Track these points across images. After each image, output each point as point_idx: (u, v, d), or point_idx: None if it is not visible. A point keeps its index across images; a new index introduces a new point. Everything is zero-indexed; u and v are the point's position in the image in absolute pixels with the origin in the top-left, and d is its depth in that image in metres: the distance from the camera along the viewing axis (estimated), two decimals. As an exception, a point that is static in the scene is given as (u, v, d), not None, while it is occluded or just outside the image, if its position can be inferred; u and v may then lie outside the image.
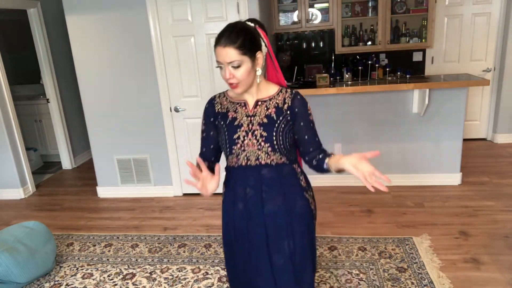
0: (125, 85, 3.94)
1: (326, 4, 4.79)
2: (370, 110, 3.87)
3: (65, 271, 2.93)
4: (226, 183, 1.65)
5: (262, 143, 1.48)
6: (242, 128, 1.50)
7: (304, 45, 5.20)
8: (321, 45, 5.18)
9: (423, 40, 4.73)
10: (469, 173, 4.08)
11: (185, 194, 4.17)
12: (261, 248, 1.56)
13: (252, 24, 1.50)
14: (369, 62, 4.39)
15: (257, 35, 1.47)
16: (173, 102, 3.91)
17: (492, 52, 4.98)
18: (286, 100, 1.51)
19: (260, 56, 1.46)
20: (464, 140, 3.94)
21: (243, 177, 1.54)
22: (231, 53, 1.38)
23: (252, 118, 1.50)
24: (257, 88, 1.52)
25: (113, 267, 2.95)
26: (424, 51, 5.03)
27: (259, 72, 1.47)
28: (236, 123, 1.51)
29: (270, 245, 1.55)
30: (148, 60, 3.83)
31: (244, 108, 1.52)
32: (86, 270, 2.93)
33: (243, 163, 1.52)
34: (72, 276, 2.87)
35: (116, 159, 4.17)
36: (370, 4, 4.78)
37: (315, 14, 4.92)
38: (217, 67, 1.45)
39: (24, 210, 4.12)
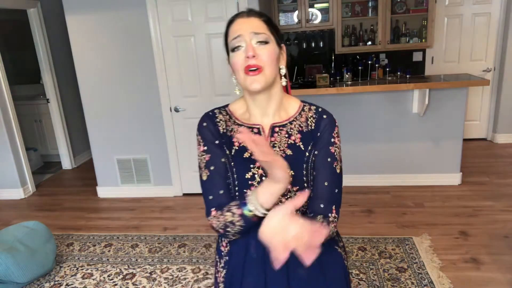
0: (125, 85, 3.94)
1: (326, 4, 4.79)
2: (370, 110, 3.87)
3: (65, 271, 2.93)
4: (232, 240, 1.13)
5: (289, 186, 1.03)
6: (257, 164, 1.05)
7: (304, 45, 5.20)
8: (321, 45, 5.18)
9: (423, 40, 4.73)
10: (469, 173, 4.08)
11: (185, 194, 4.17)
12: None
13: None
14: (369, 62, 4.39)
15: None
16: (173, 102, 3.91)
17: (492, 52, 4.98)
18: (309, 121, 1.10)
19: (285, 50, 1.11)
20: (464, 140, 3.94)
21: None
22: (257, 23, 1.04)
23: None
24: (279, 101, 1.10)
25: (113, 267, 2.95)
26: (424, 51, 5.03)
27: (283, 70, 1.09)
28: (245, 155, 1.07)
29: None
30: (148, 60, 3.83)
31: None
32: (86, 270, 2.93)
33: None
34: (72, 276, 2.87)
35: (116, 159, 4.17)
36: (370, 4, 4.77)
37: (315, 14, 4.92)
38: (233, 49, 1.05)
39: (24, 210, 4.12)
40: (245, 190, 1.06)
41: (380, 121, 3.88)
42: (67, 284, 2.78)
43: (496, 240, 2.93)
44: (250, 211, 0.95)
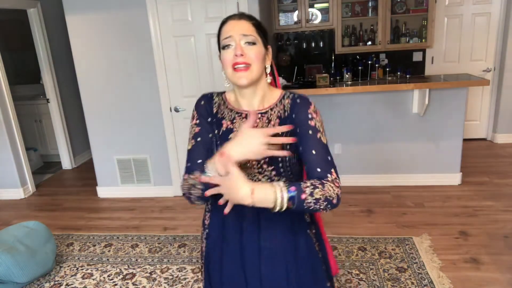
0: (125, 85, 3.94)
1: (326, 4, 4.79)
2: (370, 110, 3.87)
3: (65, 271, 2.93)
4: (212, 214, 1.29)
5: (264, 166, 1.17)
6: None
7: (304, 45, 5.20)
8: (321, 45, 5.18)
9: (423, 40, 4.73)
10: (469, 173, 4.08)
11: (185, 194, 4.17)
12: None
13: None
14: (369, 62, 4.39)
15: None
16: (173, 102, 3.91)
17: (492, 52, 4.98)
18: (286, 107, 1.22)
19: (271, 51, 1.25)
20: (464, 140, 3.94)
21: (237, 207, 1.08)
22: (247, 26, 1.17)
23: None
24: (261, 93, 1.23)
25: (113, 267, 2.95)
26: (424, 51, 5.03)
27: (268, 69, 1.23)
28: (230, 136, 1.20)
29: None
30: (148, 60, 3.83)
31: (242, 120, 1.22)
32: (86, 270, 2.93)
33: None
34: (72, 276, 2.87)
35: (116, 159, 4.17)
36: (370, 4, 4.78)
37: (315, 14, 4.92)
38: (224, 47, 1.18)
39: (24, 210, 4.12)
40: None
41: (380, 121, 3.88)
42: (67, 284, 2.78)
43: (496, 240, 2.93)
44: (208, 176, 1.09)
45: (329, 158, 1.15)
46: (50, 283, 2.80)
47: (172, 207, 3.93)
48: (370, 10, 4.80)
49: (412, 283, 2.51)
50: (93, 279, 2.81)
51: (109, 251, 3.17)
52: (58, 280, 2.83)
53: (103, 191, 4.30)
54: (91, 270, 2.92)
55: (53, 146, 5.39)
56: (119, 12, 3.75)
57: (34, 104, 5.31)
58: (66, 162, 5.32)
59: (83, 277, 2.84)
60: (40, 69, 4.94)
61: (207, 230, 1.32)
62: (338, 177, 1.13)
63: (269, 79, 1.24)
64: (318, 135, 1.16)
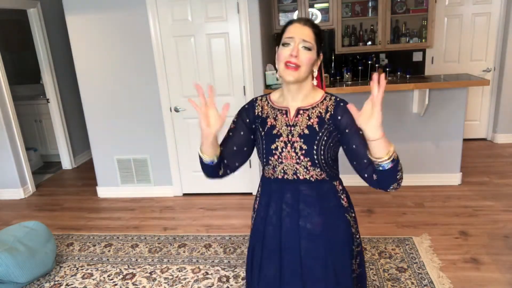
0: (125, 85, 3.94)
1: (326, 4, 4.79)
2: (370, 110, 3.86)
3: (65, 271, 2.93)
4: (261, 195, 1.51)
5: (302, 157, 1.35)
6: (281, 138, 1.38)
7: (304, 45, 5.19)
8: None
9: (423, 40, 4.73)
10: (469, 173, 4.08)
11: (185, 194, 4.17)
12: (294, 270, 1.42)
13: None
14: (369, 62, 4.39)
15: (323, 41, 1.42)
16: (173, 102, 3.91)
17: (492, 52, 4.98)
18: (329, 109, 1.37)
19: (321, 58, 1.41)
20: (464, 140, 3.94)
21: (279, 191, 1.42)
22: (308, 33, 1.32)
23: (292, 128, 1.37)
24: (305, 93, 1.39)
25: (113, 267, 2.95)
26: (424, 51, 5.03)
27: (315, 73, 1.39)
28: (274, 131, 1.40)
29: (304, 269, 1.42)
30: (148, 60, 3.83)
31: (284, 116, 1.40)
32: (86, 270, 2.93)
33: (280, 176, 1.40)
34: (72, 276, 2.87)
35: (116, 159, 4.17)
36: (370, 4, 4.78)
37: (315, 14, 4.92)
38: (284, 44, 1.33)
39: (24, 210, 4.12)
40: (270, 157, 1.39)
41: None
42: (67, 284, 2.78)
43: (496, 240, 2.93)
44: (199, 156, 1.41)
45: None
46: (50, 283, 2.80)
47: (172, 207, 3.93)
48: (370, 10, 4.80)
49: (412, 283, 2.51)
50: (93, 279, 2.81)
51: (109, 251, 3.17)
52: (58, 280, 2.83)
53: (103, 191, 4.30)
54: (91, 270, 2.92)
55: (53, 146, 5.39)
56: (119, 12, 3.75)
57: (34, 104, 5.31)
58: (66, 162, 5.32)
59: (83, 277, 2.84)
60: (40, 69, 4.94)
61: (255, 213, 1.54)
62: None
63: (315, 82, 1.40)
64: (361, 132, 1.29)
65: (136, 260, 3.02)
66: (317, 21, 4.92)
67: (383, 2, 4.59)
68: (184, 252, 3.08)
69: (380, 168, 1.22)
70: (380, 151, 1.20)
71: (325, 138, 1.35)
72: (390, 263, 2.73)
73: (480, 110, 5.19)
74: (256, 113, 1.46)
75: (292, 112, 1.40)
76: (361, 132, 1.28)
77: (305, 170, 1.37)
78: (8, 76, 4.33)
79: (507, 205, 3.44)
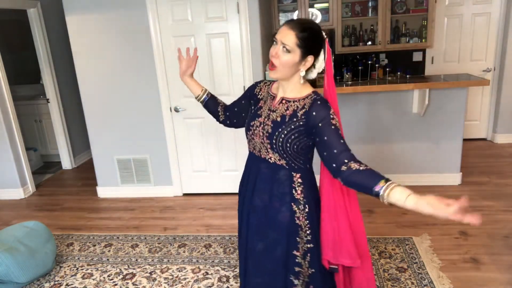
0: (125, 85, 3.94)
1: (326, 4, 4.79)
2: (370, 110, 3.87)
3: (65, 271, 2.93)
4: (245, 165, 1.75)
5: (265, 138, 1.53)
6: (259, 119, 1.57)
7: (304, 45, 5.19)
8: (321, 45, 5.17)
9: (423, 40, 4.73)
10: (469, 173, 4.08)
11: (185, 194, 4.17)
12: (247, 234, 1.67)
13: (325, 36, 1.51)
14: (369, 62, 4.39)
15: (321, 44, 1.49)
16: (173, 102, 3.91)
17: (492, 52, 4.98)
18: (305, 106, 1.48)
19: (310, 60, 1.47)
20: (464, 140, 3.94)
21: (250, 163, 1.67)
22: (290, 37, 1.42)
23: (271, 113, 1.55)
24: (293, 87, 1.53)
25: (113, 267, 2.95)
26: (424, 51, 5.03)
27: (302, 73, 1.49)
28: (259, 112, 1.60)
29: (249, 236, 1.65)
30: (148, 60, 3.83)
31: (271, 101, 1.59)
32: (86, 270, 2.93)
33: (251, 150, 1.65)
34: (72, 276, 2.87)
35: (116, 159, 4.17)
36: (370, 4, 4.78)
37: (315, 14, 4.91)
38: (273, 40, 1.48)
39: (24, 210, 4.13)
40: (248, 131, 1.61)
41: (380, 121, 3.88)
42: (67, 284, 2.78)
43: (496, 240, 2.93)
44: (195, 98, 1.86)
45: (342, 141, 1.43)
46: (50, 283, 2.80)
47: (172, 207, 3.93)
48: (370, 10, 4.80)
49: (412, 283, 2.51)
50: (93, 279, 2.81)
51: (109, 251, 3.17)
52: (58, 280, 2.83)
53: (103, 191, 4.30)
54: (91, 270, 2.92)
55: (53, 146, 5.39)
56: (119, 12, 3.75)
57: (34, 104, 5.31)
58: (66, 162, 5.32)
59: (83, 277, 2.84)
60: (40, 69, 4.94)
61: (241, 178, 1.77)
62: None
63: (302, 80, 1.51)
64: (338, 131, 1.43)
65: (136, 260, 3.02)
66: (317, 21, 4.92)
67: (383, 2, 4.59)
68: (184, 252, 3.08)
69: (375, 190, 1.43)
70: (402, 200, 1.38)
71: (289, 129, 1.47)
72: (390, 263, 2.73)
73: (480, 110, 5.19)
74: (255, 92, 1.69)
75: (277, 100, 1.57)
76: (333, 127, 1.42)
77: (265, 151, 1.55)
78: (8, 76, 4.33)
79: (507, 205, 3.44)
